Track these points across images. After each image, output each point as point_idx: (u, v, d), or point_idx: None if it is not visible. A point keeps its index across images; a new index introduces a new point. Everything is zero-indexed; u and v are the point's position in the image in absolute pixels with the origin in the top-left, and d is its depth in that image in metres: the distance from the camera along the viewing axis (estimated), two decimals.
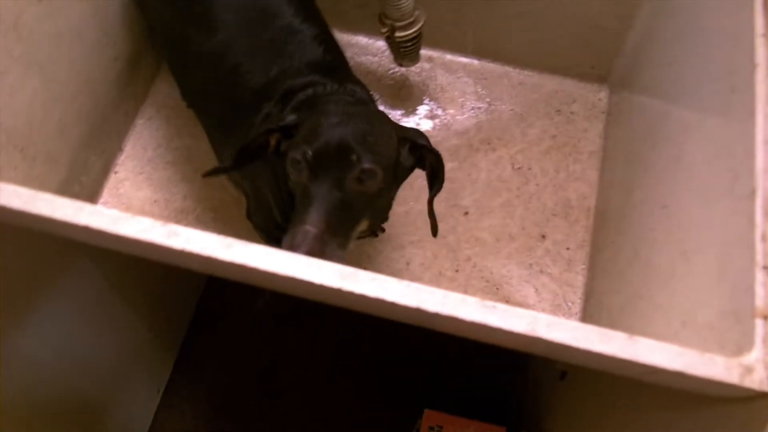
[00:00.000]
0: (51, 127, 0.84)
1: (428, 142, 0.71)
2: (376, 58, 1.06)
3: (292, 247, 0.61)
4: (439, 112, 1.02)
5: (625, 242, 0.78)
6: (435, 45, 1.02)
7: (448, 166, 0.97)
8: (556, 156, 0.99)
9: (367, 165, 0.64)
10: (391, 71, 1.05)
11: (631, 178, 0.81)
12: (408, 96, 1.03)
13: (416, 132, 0.72)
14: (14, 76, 0.76)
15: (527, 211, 0.95)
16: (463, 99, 1.02)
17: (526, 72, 1.03)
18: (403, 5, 0.87)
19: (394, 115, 1.02)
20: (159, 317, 1.21)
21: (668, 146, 0.70)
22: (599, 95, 1.02)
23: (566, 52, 1.00)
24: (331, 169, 0.64)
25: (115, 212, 0.48)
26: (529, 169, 0.98)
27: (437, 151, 0.71)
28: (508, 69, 1.04)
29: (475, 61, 1.04)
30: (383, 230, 0.93)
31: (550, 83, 1.03)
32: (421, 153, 0.72)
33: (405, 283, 0.45)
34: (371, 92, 0.80)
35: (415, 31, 0.90)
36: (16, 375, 0.88)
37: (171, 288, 1.25)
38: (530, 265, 0.92)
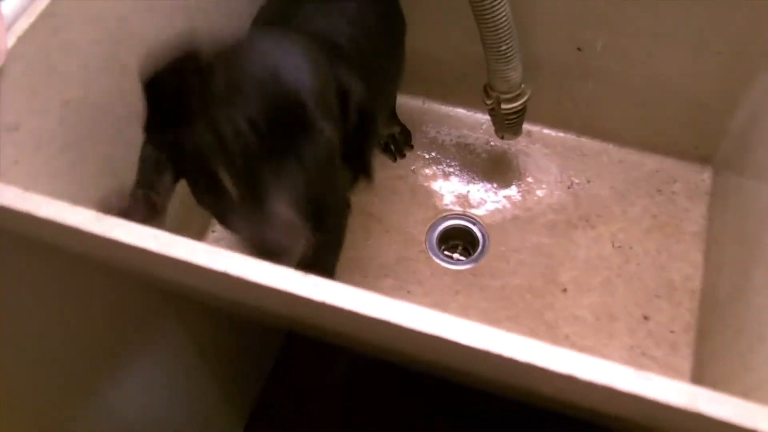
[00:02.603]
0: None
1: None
2: (474, 132, 1.06)
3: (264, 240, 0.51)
4: (536, 186, 1.01)
5: (744, 327, 0.74)
6: (535, 119, 1.02)
7: (546, 240, 0.97)
8: (658, 235, 0.96)
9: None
10: (489, 144, 1.05)
11: (747, 260, 0.78)
12: (506, 170, 1.02)
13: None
14: None
15: (628, 290, 0.92)
16: (561, 174, 1.01)
17: (626, 149, 1.02)
18: (512, 78, 0.88)
19: (490, 187, 1.02)
20: (231, 378, 1.20)
21: None
22: (702, 176, 1.00)
23: (669, 131, 0.99)
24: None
25: (254, 261, 0.47)
26: (630, 247, 0.95)
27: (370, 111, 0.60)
28: (609, 146, 1.02)
29: (576, 137, 1.04)
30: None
31: (651, 162, 1.01)
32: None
33: (555, 348, 0.43)
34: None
35: (520, 104, 0.90)
36: None
37: (246, 349, 1.23)
38: (631, 347, 0.89)
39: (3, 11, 0.59)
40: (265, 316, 0.91)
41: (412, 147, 1.06)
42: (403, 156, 1.05)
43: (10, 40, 0.59)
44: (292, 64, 0.54)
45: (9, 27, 0.59)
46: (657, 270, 0.93)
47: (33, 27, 0.60)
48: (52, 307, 0.74)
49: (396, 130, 1.05)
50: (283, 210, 0.51)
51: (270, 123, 0.51)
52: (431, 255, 0.97)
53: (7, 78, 0.59)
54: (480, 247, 0.97)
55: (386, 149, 1.05)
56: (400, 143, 1.05)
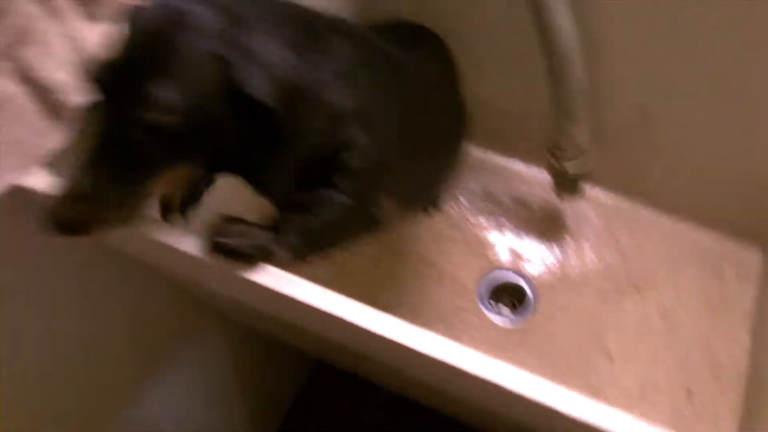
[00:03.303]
0: None
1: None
2: (531, 187, 1.07)
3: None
4: (589, 248, 1.02)
5: None
6: (594, 181, 1.03)
7: (594, 303, 0.97)
8: (706, 311, 0.96)
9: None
10: (546, 201, 1.06)
11: None
12: (560, 228, 1.03)
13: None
14: None
15: (674, 362, 0.92)
16: (614, 241, 1.02)
17: (681, 221, 1.03)
18: (579, 140, 0.89)
19: (540, 247, 1.02)
20: (259, 397, 1.20)
21: None
22: (755, 257, 1.00)
23: (726, 209, 1.00)
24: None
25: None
26: (678, 320, 0.96)
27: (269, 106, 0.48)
28: (664, 216, 1.03)
29: (632, 203, 1.04)
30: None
31: (705, 237, 1.02)
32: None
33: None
34: None
35: (584, 166, 0.92)
36: None
37: (276, 371, 1.24)
38: (674, 420, 0.89)
39: None
40: (316, 344, 0.91)
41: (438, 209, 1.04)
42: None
43: None
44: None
45: None
46: (703, 345, 0.94)
47: None
48: (110, 312, 0.75)
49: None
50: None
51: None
52: (481, 306, 0.98)
53: None
54: (529, 304, 0.98)
55: None
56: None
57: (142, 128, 0.46)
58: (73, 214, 0.46)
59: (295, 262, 0.55)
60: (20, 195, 0.55)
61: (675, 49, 0.88)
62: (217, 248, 0.51)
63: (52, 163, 0.56)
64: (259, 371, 1.16)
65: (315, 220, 0.56)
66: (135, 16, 0.48)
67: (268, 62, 0.49)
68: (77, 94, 0.56)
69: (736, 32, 0.83)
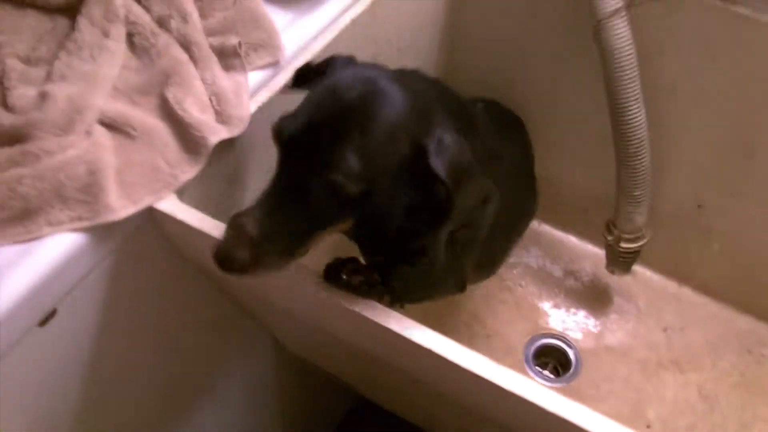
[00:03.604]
0: None
1: (447, 167, 0.51)
2: (582, 261, 1.13)
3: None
4: (635, 323, 1.07)
5: None
6: (644, 261, 1.08)
7: (636, 375, 1.02)
8: (744, 393, 1.01)
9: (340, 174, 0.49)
10: (595, 275, 1.12)
11: None
12: (608, 302, 1.09)
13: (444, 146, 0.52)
14: None
15: None
16: (659, 317, 1.07)
17: (723, 305, 1.08)
18: (637, 221, 0.95)
19: (590, 315, 1.08)
20: (298, 425, 1.24)
21: None
22: None
23: (764, 294, 1.05)
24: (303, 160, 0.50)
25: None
26: (716, 398, 1.00)
27: (451, 188, 0.52)
28: (706, 299, 1.09)
29: (678, 285, 1.10)
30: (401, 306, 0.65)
31: (744, 321, 1.07)
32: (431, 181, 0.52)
33: None
34: None
35: (639, 245, 0.98)
36: None
37: (317, 401, 1.28)
38: None
39: (249, 84, 0.69)
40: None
41: None
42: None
43: (252, 107, 0.68)
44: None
45: (252, 96, 0.69)
46: (740, 427, 0.98)
47: (270, 101, 0.70)
48: (186, 324, 0.81)
49: None
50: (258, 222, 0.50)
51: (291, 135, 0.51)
52: (526, 367, 1.03)
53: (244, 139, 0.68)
54: (572, 369, 1.03)
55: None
56: None
57: (326, 188, 0.49)
58: (245, 256, 0.49)
59: (391, 305, 0.60)
60: (153, 215, 0.62)
61: (734, 152, 0.95)
62: (331, 278, 0.57)
63: (182, 192, 0.63)
64: (301, 399, 1.20)
65: (418, 272, 0.62)
66: (329, 84, 0.52)
67: (450, 150, 0.52)
68: (212, 133, 0.63)
69: None
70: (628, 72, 0.86)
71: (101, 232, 0.58)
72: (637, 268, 1.10)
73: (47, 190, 0.57)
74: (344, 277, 0.56)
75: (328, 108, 0.50)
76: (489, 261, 0.89)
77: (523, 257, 1.12)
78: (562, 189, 1.09)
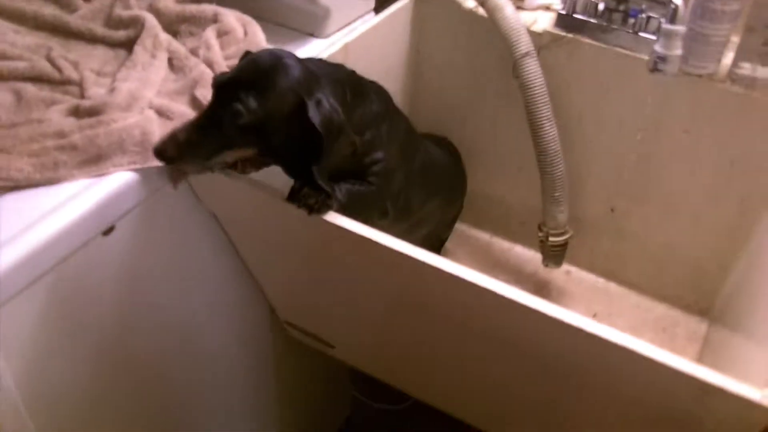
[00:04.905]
0: None
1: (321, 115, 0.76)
2: (525, 264, 1.37)
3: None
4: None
5: None
6: (573, 261, 1.33)
7: None
8: None
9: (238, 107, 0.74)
10: (536, 276, 1.35)
11: None
12: (546, 296, 1.31)
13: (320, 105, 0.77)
14: None
15: None
16: (589, 307, 1.30)
17: (642, 296, 1.31)
18: (559, 218, 1.21)
19: None
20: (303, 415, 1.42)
21: None
22: (700, 325, 1.26)
23: (676, 286, 1.28)
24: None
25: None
26: None
27: (320, 133, 0.75)
28: (629, 292, 1.32)
29: (605, 281, 1.35)
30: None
31: (660, 309, 1.29)
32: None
33: None
34: None
35: (564, 239, 1.22)
36: None
37: (317, 405, 1.47)
38: None
39: None
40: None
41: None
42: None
43: None
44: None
45: None
46: None
47: None
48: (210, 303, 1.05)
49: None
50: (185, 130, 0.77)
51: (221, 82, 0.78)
52: None
53: None
54: None
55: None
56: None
57: (231, 116, 0.74)
58: (173, 152, 0.76)
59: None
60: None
61: (632, 164, 1.22)
62: (294, 198, 0.78)
63: None
64: (304, 400, 1.40)
65: (359, 189, 0.87)
66: (252, 56, 0.79)
67: (325, 108, 0.77)
68: None
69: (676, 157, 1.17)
70: (540, 98, 1.13)
71: (147, 174, 0.84)
72: (570, 268, 1.34)
73: (114, 143, 0.83)
74: (301, 197, 0.78)
75: (245, 70, 0.77)
76: (406, 209, 1.03)
77: (477, 265, 1.37)
78: (504, 204, 1.36)
